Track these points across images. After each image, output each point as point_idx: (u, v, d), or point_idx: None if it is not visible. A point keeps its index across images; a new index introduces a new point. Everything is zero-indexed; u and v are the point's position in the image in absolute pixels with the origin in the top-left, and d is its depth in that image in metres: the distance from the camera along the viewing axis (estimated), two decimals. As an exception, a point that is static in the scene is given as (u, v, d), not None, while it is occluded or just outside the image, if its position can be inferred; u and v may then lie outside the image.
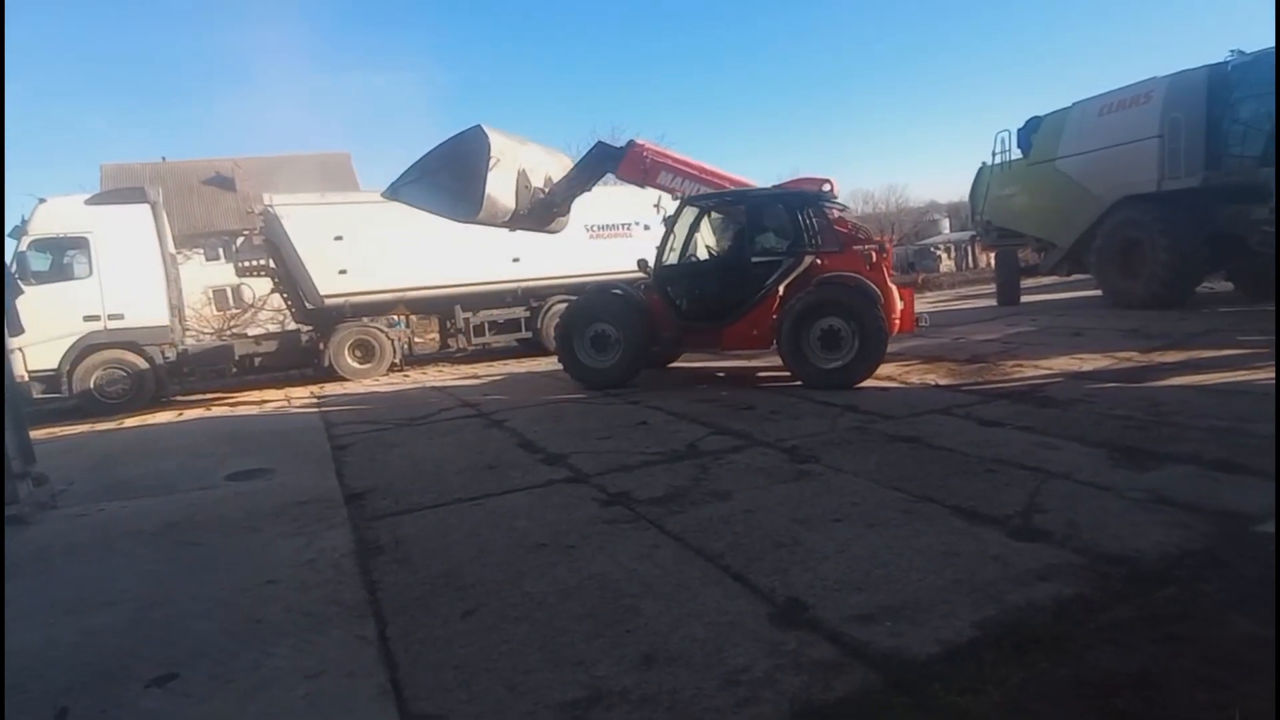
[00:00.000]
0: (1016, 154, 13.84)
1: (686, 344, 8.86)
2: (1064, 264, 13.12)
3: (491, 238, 13.13)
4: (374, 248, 12.61)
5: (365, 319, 12.98)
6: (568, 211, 9.91)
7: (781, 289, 7.82)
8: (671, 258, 8.50)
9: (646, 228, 13.58)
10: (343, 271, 12.60)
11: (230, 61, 66.99)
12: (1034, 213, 13.45)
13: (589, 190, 9.74)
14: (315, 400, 10.38)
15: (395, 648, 2.83)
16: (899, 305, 7.97)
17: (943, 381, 7.15)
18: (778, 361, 8.09)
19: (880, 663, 2.45)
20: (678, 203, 8.73)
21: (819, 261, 7.82)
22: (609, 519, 4.07)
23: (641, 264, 8.82)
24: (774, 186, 9.24)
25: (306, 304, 13.12)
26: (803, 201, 8.24)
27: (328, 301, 12.61)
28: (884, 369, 7.74)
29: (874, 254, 7.92)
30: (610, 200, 14.01)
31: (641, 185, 9.59)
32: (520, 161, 9.03)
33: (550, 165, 9.61)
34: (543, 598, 3.15)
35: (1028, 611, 2.70)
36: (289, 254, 12.61)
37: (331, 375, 12.66)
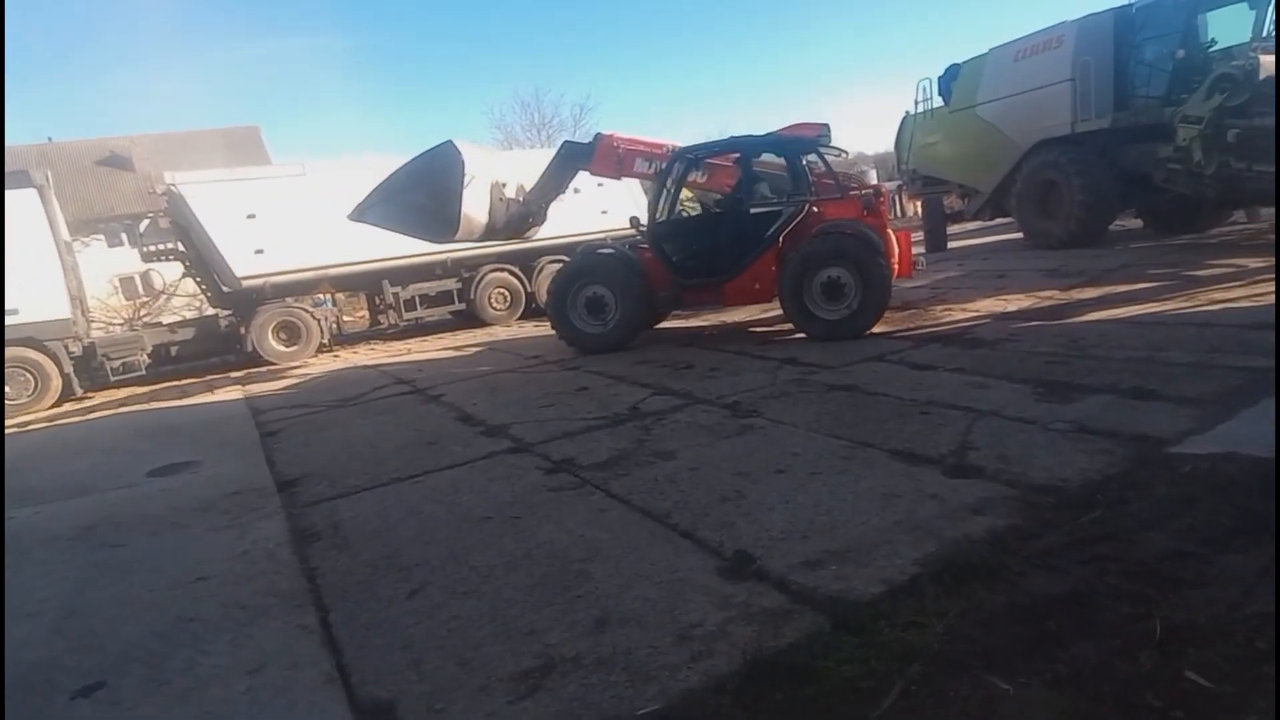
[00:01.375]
0: (939, 102, 14.10)
1: (687, 302, 8.44)
2: (987, 208, 13.51)
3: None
4: (291, 225, 12.04)
5: (288, 299, 12.43)
6: (545, 218, 9.62)
7: (781, 239, 7.53)
8: (666, 213, 8.15)
9: (599, 185, 13.32)
10: (259, 251, 11.98)
11: (117, 32, 62.15)
12: (957, 159, 13.77)
13: (564, 192, 9.41)
14: (240, 387, 9.94)
15: (339, 634, 2.74)
16: (896, 250, 7.79)
17: (877, 329, 7.30)
18: (760, 314, 7.99)
19: (827, 606, 2.49)
20: (682, 151, 8.28)
21: (815, 210, 7.56)
22: (554, 487, 4.03)
23: (634, 221, 8.53)
24: (769, 133, 8.83)
25: (223, 287, 12.47)
26: (801, 147, 7.99)
27: (245, 283, 12.00)
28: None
29: (872, 199, 7.65)
30: (545, 161, 13.73)
31: (617, 177, 9.32)
32: (493, 174, 8.74)
33: (522, 173, 9.29)
34: (490, 571, 3.10)
35: (964, 545, 2.78)
36: (199, 236, 11.93)
37: (256, 360, 12.13)
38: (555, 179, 9.15)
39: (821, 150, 8.10)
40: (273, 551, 3.65)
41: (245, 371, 11.62)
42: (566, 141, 9.39)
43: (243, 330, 12.16)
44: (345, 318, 14.89)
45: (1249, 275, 7.43)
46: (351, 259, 12.57)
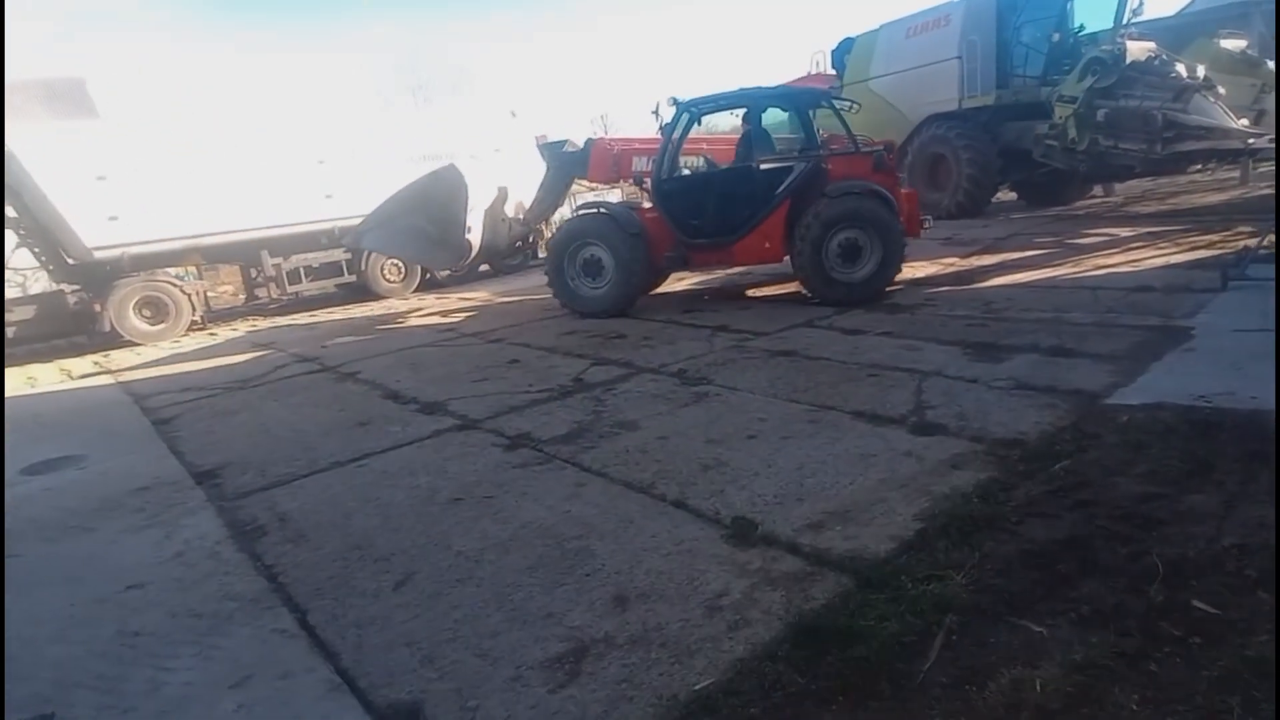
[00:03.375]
0: (832, 74, 14.53)
1: (695, 263, 7.92)
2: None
3: (298, 172, 11.83)
4: (152, 188, 10.76)
5: (152, 272, 11.17)
6: (542, 230, 9.26)
7: (791, 198, 7.20)
8: (668, 171, 7.68)
9: (497, 151, 12.81)
10: (113, 218, 10.66)
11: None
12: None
13: (562, 205, 9.02)
14: (105, 371, 8.86)
15: (327, 635, 2.50)
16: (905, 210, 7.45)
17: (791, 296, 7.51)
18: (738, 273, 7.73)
19: (846, 565, 2.53)
20: (672, 109, 7.68)
21: (826, 166, 7.24)
22: (519, 463, 3.85)
23: (638, 179, 8.12)
24: (779, 85, 8.55)
25: (68, 259, 11.06)
26: (813, 100, 7.66)
27: (98, 254, 10.65)
28: (740, 287, 7.98)
29: (884, 156, 7.30)
30: (441, 122, 13.01)
31: (615, 182, 8.94)
32: (492, 194, 8.35)
33: (514, 189, 8.80)
34: (479, 555, 2.92)
35: (955, 499, 2.90)
36: (35, 200, 10.44)
37: (116, 341, 10.86)
38: (552, 193, 8.77)
39: (836, 103, 7.78)
40: (213, 550, 3.28)
41: (105, 353, 10.38)
42: (556, 152, 8.91)
43: (98, 308, 10.82)
44: (222, 287, 13.61)
45: (1123, 243, 8.23)
46: (225, 227, 11.48)
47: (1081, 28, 10.88)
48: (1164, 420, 3.37)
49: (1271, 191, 10.63)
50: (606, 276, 7.68)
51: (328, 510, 3.56)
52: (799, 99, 7.88)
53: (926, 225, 7.73)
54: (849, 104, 7.95)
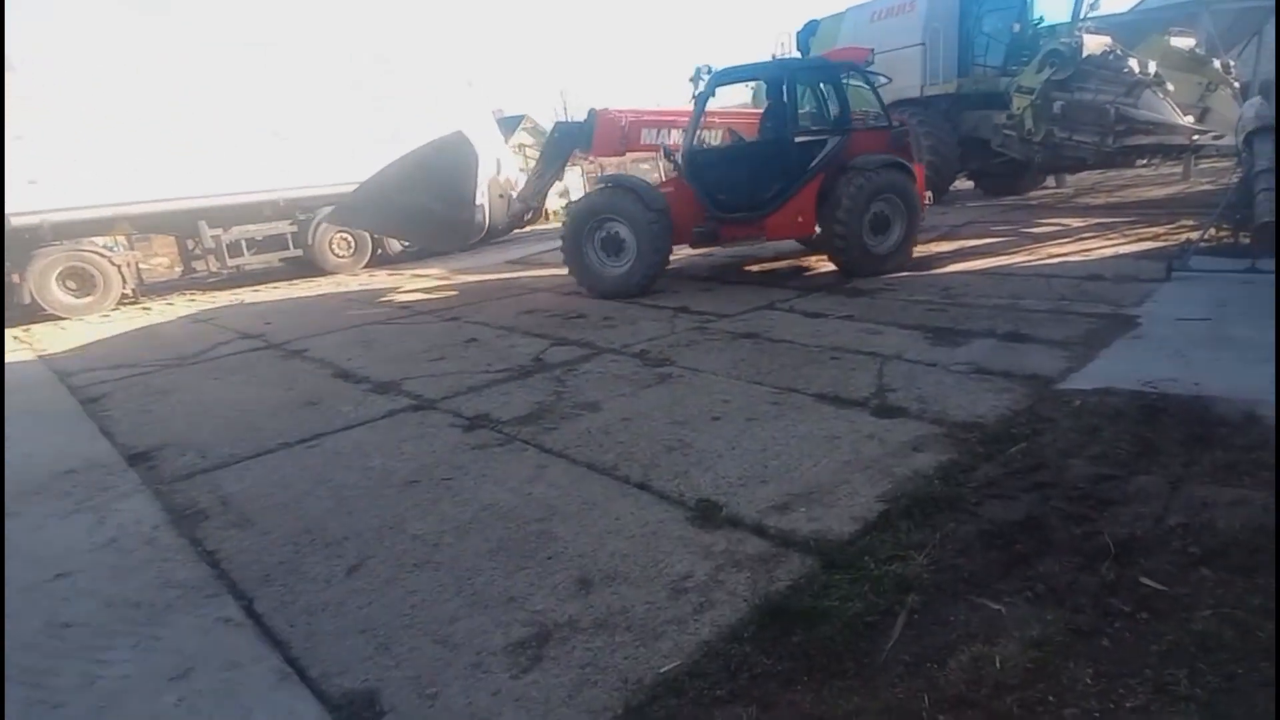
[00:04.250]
0: (797, 56, 14.48)
1: (724, 238, 7.62)
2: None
3: (241, 138, 11.29)
4: (78, 149, 10.11)
5: (77, 241, 10.52)
6: (543, 205, 8.61)
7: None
8: (703, 143, 7.41)
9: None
10: (32, 182, 9.98)
11: None
12: None
13: (561, 179, 8.37)
14: (25, 346, 8.38)
15: (274, 624, 2.39)
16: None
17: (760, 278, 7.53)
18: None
19: (811, 547, 2.53)
20: (705, 79, 7.42)
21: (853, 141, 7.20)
22: (478, 444, 3.76)
23: (666, 153, 7.74)
24: (814, 56, 8.17)
25: (-22, 225, 10.37)
26: (845, 72, 7.55)
27: (14, 221, 9.90)
28: (702, 271, 7.95)
29: (902, 134, 7.40)
30: (404, 88, 12.54)
31: (620, 154, 8.39)
32: (494, 165, 7.76)
33: (507, 159, 8.21)
34: (437, 538, 2.84)
35: (917, 480, 2.92)
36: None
37: (38, 315, 10.23)
38: (552, 167, 8.29)
39: (870, 75, 7.65)
40: (150, 536, 3.12)
41: (25, 327, 9.81)
42: (558, 123, 8.54)
43: (16, 278, 10.14)
44: (155, 259, 13.00)
45: (1075, 233, 8.46)
46: (160, 195, 10.88)
47: (1041, 20, 11.06)
48: (1113, 405, 3.45)
49: (1212, 187, 11.05)
50: (628, 255, 7.27)
51: (276, 493, 3.42)
52: (833, 71, 7.64)
53: (929, 202, 7.73)
54: (881, 78, 7.83)
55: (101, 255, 10.72)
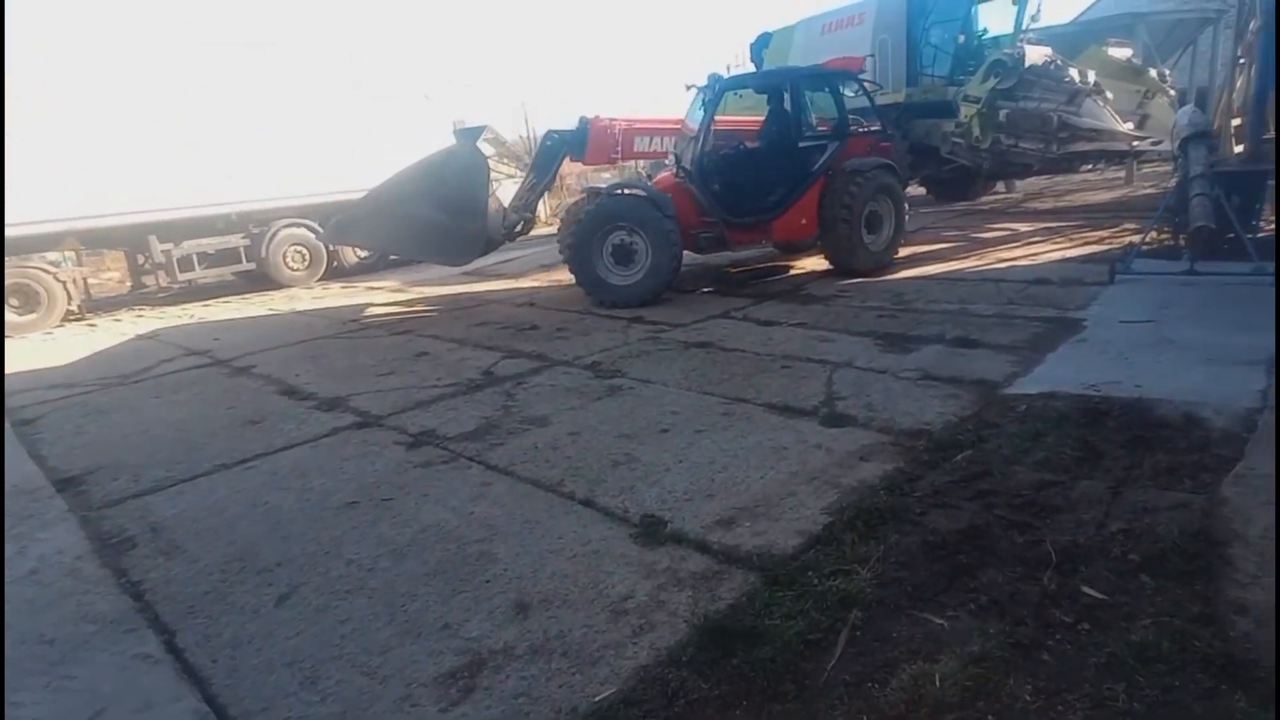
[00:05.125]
0: (751, 67, 14.59)
1: (731, 242, 7.62)
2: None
3: (194, 149, 10.99)
4: (17, 162, 9.79)
5: (25, 257, 10.17)
6: (535, 216, 8.42)
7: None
8: (712, 146, 7.49)
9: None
10: (-25, 198, 9.66)
11: None
12: None
13: (550, 189, 8.17)
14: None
15: (196, 660, 2.28)
16: None
17: (706, 290, 7.50)
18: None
19: (755, 563, 2.49)
20: (707, 86, 7.54)
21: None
22: (421, 462, 3.66)
23: (676, 158, 7.66)
24: (813, 65, 8.44)
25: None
26: (846, 79, 7.88)
27: None
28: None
29: (879, 139, 7.78)
30: (361, 101, 12.32)
31: (613, 163, 8.28)
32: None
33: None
34: (373, 563, 2.74)
35: (862, 491, 2.91)
36: None
37: (-26, 332, 9.83)
38: (542, 174, 8.13)
39: (863, 83, 8.04)
40: (73, 566, 2.97)
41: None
42: (549, 131, 8.35)
43: (-46, 298, 9.79)
44: (107, 274, 12.55)
45: (1022, 238, 8.63)
46: (108, 209, 10.54)
47: (985, 31, 11.32)
48: (1058, 409, 3.49)
49: (1154, 191, 11.37)
50: (639, 263, 7.11)
51: (208, 518, 3.29)
52: (831, 79, 7.94)
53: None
54: (875, 87, 8.29)
55: (46, 271, 10.32)
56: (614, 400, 4.31)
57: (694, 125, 7.73)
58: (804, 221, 7.44)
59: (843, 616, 2.16)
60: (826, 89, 7.93)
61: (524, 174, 8.98)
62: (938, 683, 1.85)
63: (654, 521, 2.83)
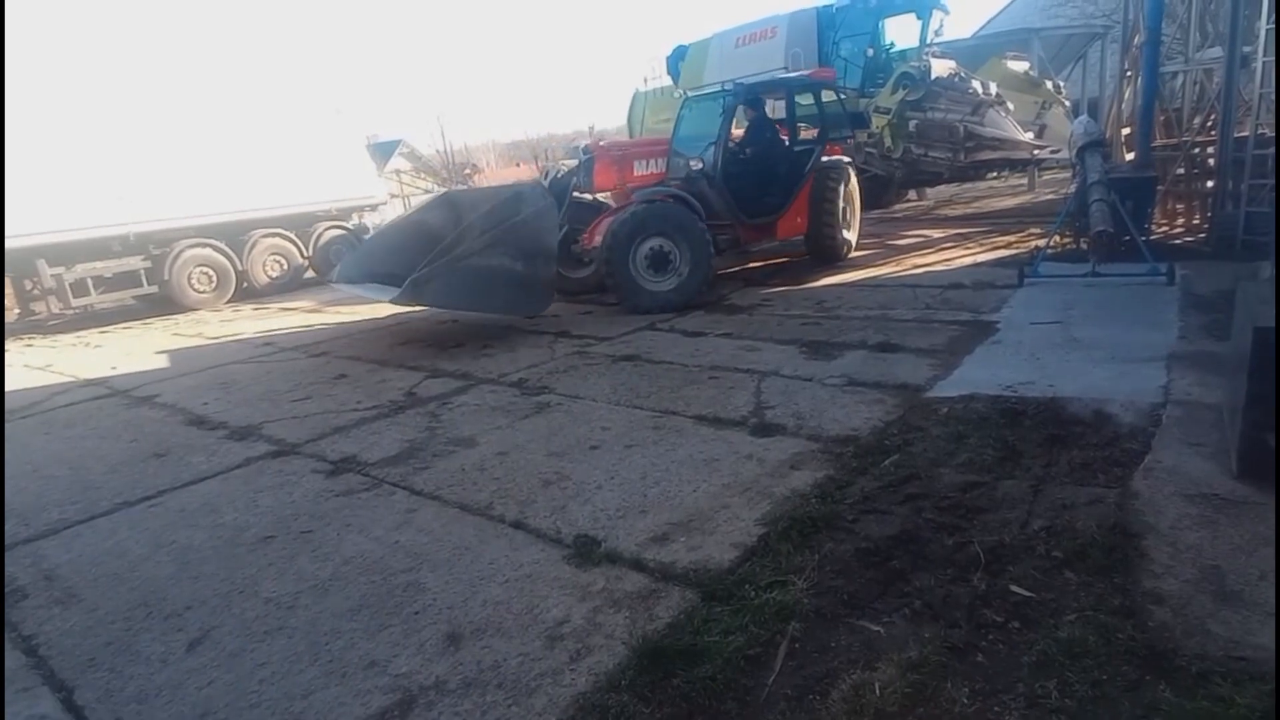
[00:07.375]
0: (668, 80, 14.79)
1: (744, 241, 7.90)
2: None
3: (83, 168, 10.32)
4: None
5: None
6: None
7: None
8: (731, 152, 7.88)
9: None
10: None
11: None
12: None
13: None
14: None
15: (98, 717, 2.09)
16: None
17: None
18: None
19: (691, 579, 2.46)
20: (725, 91, 8.11)
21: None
22: (342, 490, 3.50)
23: (694, 163, 7.74)
24: (800, 73, 9.24)
25: None
26: (825, 87, 8.60)
27: None
28: (583, 295, 7.93)
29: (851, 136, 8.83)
30: (266, 115, 11.81)
31: (619, 187, 8.29)
32: None
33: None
34: (293, 600, 2.59)
35: (795, 500, 2.93)
36: None
37: None
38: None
39: (838, 90, 8.77)
40: (-50, 624, 2.69)
41: None
42: (554, 173, 8.62)
43: None
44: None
45: (936, 244, 8.97)
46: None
47: (892, 45, 11.80)
48: (977, 410, 3.61)
49: (1054, 197, 12.04)
50: (674, 270, 7.10)
51: (109, 561, 3.04)
52: (818, 85, 8.66)
53: None
54: (850, 90, 9.21)
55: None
56: (542, 418, 4.23)
57: (679, 145, 8.28)
58: (799, 219, 8.07)
59: (781, 629, 2.15)
60: (815, 95, 8.68)
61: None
62: (878, 691, 1.86)
63: (588, 541, 2.77)
